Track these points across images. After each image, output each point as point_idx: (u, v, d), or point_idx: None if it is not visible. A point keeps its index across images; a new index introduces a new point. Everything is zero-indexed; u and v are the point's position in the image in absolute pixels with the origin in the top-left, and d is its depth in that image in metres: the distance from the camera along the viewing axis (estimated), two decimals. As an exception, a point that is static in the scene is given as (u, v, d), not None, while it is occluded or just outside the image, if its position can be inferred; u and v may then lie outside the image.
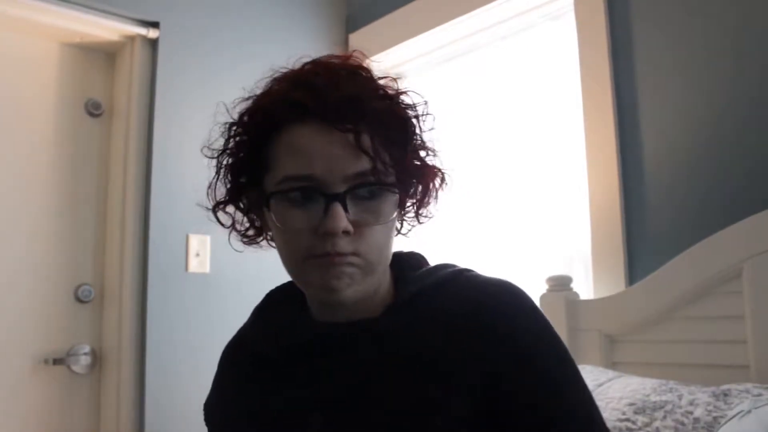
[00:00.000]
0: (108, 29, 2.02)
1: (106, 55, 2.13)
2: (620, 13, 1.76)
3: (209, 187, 0.88)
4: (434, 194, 0.85)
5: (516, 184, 2.04)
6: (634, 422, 1.24)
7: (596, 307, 1.66)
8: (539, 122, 2.01)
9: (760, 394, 1.19)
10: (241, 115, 0.83)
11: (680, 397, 1.26)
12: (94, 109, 2.08)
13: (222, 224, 0.87)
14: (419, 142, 0.82)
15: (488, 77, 2.17)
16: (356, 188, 0.74)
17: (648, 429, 1.21)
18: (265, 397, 0.83)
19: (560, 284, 1.72)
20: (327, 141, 0.74)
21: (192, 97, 2.11)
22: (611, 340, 1.63)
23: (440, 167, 0.84)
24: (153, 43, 2.08)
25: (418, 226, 0.88)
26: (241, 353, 0.91)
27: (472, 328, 0.74)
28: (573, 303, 1.69)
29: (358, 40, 2.51)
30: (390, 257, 0.81)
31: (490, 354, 0.73)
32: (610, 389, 1.38)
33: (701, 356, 1.48)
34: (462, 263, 0.86)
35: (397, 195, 0.77)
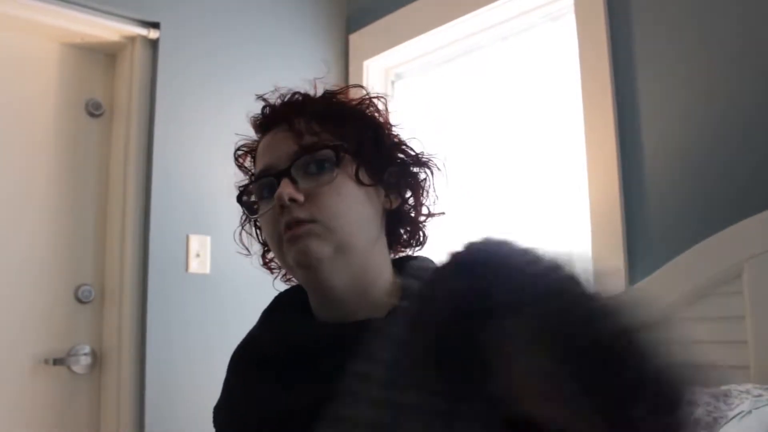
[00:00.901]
0: (108, 29, 2.02)
1: (107, 55, 2.13)
2: (620, 13, 1.76)
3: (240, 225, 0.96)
4: (426, 184, 0.88)
5: (515, 185, 2.04)
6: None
7: (596, 307, 1.65)
8: (539, 123, 2.01)
9: (760, 395, 1.19)
10: (236, 150, 0.95)
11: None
12: (94, 110, 2.08)
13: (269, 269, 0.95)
14: (380, 132, 0.87)
15: (488, 78, 2.17)
16: (296, 161, 0.80)
17: (648, 429, 1.21)
18: (273, 398, 0.82)
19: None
20: (273, 137, 0.84)
21: (192, 97, 2.11)
22: (611, 341, 1.63)
23: (422, 156, 0.88)
24: (153, 44, 2.08)
25: (429, 220, 0.91)
26: (249, 356, 0.91)
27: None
28: (573, 304, 1.69)
29: (358, 40, 2.51)
30: (376, 245, 0.84)
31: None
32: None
33: (702, 356, 1.48)
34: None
35: (338, 159, 0.81)
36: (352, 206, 0.81)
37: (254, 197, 0.87)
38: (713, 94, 1.58)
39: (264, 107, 0.89)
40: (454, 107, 2.25)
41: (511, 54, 2.12)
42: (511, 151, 2.07)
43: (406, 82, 2.48)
